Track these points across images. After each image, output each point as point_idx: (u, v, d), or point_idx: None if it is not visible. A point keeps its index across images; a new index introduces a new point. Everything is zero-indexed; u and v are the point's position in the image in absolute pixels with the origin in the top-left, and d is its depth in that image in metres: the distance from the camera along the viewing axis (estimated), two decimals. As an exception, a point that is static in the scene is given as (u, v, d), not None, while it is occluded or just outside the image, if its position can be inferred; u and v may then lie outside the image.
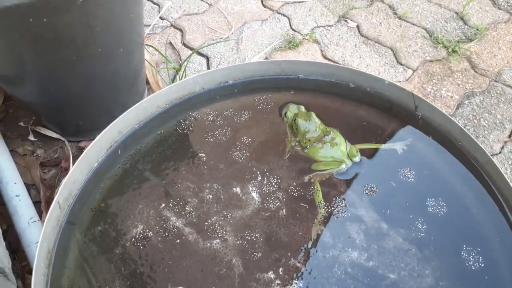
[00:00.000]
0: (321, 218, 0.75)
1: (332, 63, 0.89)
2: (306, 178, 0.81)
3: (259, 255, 0.71)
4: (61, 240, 0.70)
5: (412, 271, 0.69)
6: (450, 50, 1.57)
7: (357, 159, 0.83)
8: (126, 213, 0.76)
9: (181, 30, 1.62)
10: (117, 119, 0.78)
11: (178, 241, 0.72)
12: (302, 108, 0.89)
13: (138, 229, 0.74)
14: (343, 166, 0.81)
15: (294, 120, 0.86)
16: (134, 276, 0.69)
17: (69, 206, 0.73)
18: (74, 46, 0.94)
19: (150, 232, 0.74)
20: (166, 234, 0.73)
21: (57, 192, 0.71)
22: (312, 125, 0.85)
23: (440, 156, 0.82)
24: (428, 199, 0.76)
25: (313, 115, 0.86)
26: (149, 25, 1.62)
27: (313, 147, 0.83)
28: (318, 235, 0.73)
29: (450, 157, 0.82)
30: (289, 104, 0.90)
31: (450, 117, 0.81)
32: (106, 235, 0.73)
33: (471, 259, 0.70)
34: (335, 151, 0.82)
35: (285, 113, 0.89)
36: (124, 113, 0.78)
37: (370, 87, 0.90)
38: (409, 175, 0.80)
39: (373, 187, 0.79)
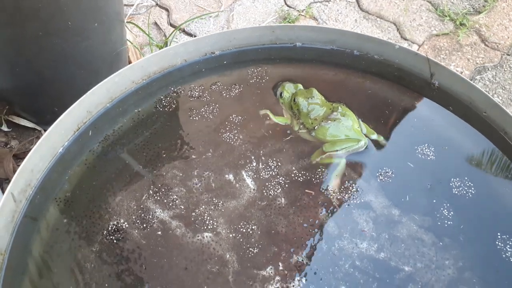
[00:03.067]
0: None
1: (333, 27, 0.78)
2: (317, 160, 0.70)
3: (256, 249, 0.62)
4: (18, 239, 0.60)
5: (443, 268, 0.59)
6: (457, 23, 1.46)
7: (375, 136, 0.73)
8: (100, 205, 0.65)
9: (167, 10, 1.51)
10: (84, 96, 0.66)
11: (163, 235, 0.63)
12: (300, 86, 0.78)
13: (115, 222, 0.64)
14: (362, 142, 0.70)
15: (294, 100, 0.74)
16: (112, 278, 0.59)
17: (27, 199, 0.62)
18: (38, 18, 0.84)
19: (130, 227, 0.64)
20: (149, 228, 0.63)
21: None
22: (316, 102, 0.74)
23: (462, 130, 0.72)
24: (452, 179, 0.66)
25: (315, 91, 0.75)
26: (133, 5, 1.49)
27: (322, 127, 0.72)
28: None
29: (474, 131, 0.71)
30: (284, 83, 0.78)
31: (473, 83, 0.70)
32: (77, 231, 0.63)
33: (509, 249, 0.59)
34: (348, 129, 0.71)
35: (281, 94, 0.77)
36: (93, 88, 0.67)
37: (378, 54, 0.79)
38: (428, 153, 0.69)
39: (387, 171, 0.68)
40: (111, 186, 0.67)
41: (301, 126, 0.74)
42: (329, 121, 0.72)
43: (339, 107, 0.74)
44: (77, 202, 0.65)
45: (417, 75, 0.77)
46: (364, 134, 0.72)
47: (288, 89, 0.77)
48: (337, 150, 0.70)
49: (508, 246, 0.60)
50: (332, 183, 0.67)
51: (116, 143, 0.71)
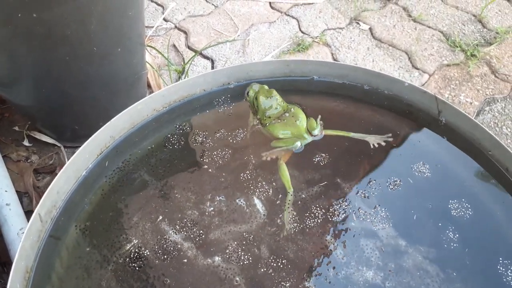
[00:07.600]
0: (290, 203, 0.71)
1: (345, 63, 0.81)
2: (264, 155, 0.78)
3: (264, 273, 0.64)
4: (43, 258, 0.63)
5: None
6: (468, 54, 1.49)
7: (316, 131, 0.79)
8: (119, 227, 0.68)
9: (185, 32, 1.56)
10: (109, 122, 0.70)
11: (176, 257, 0.66)
12: (265, 87, 0.85)
13: (133, 245, 0.67)
14: (298, 143, 0.78)
15: (256, 98, 0.83)
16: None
17: (52, 220, 0.65)
18: (67, 44, 0.88)
19: (146, 249, 0.66)
20: (163, 250, 0.66)
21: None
22: (273, 102, 0.82)
23: (467, 166, 0.74)
24: (451, 202, 0.69)
25: (275, 92, 0.83)
26: (152, 27, 1.55)
27: (272, 125, 0.80)
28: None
29: (478, 166, 0.74)
30: (252, 83, 0.86)
31: (479, 123, 0.73)
32: (97, 251, 0.66)
33: (510, 274, 0.61)
34: (294, 127, 0.79)
35: (247, 93, 0.85)
36: (117, 116, 0.71)
37: (388, 90, 0.82)
38: (430, 177, 0.72)
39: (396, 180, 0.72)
40: (130, 210, 0.70)
41: (257, 121, 0.82)
42: (280, 120, 0.80)
43: (292, 109, 0.82)
44: (99, 224, 0.69)
45: (425, 111, 0.80)
46: (308, 130, 0.80)
47: (254, 88, 0.85)
48: (280, 147, 0.78)
49: (510, 271, 0.62)
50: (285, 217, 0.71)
51: (137, 167, 0.75)
